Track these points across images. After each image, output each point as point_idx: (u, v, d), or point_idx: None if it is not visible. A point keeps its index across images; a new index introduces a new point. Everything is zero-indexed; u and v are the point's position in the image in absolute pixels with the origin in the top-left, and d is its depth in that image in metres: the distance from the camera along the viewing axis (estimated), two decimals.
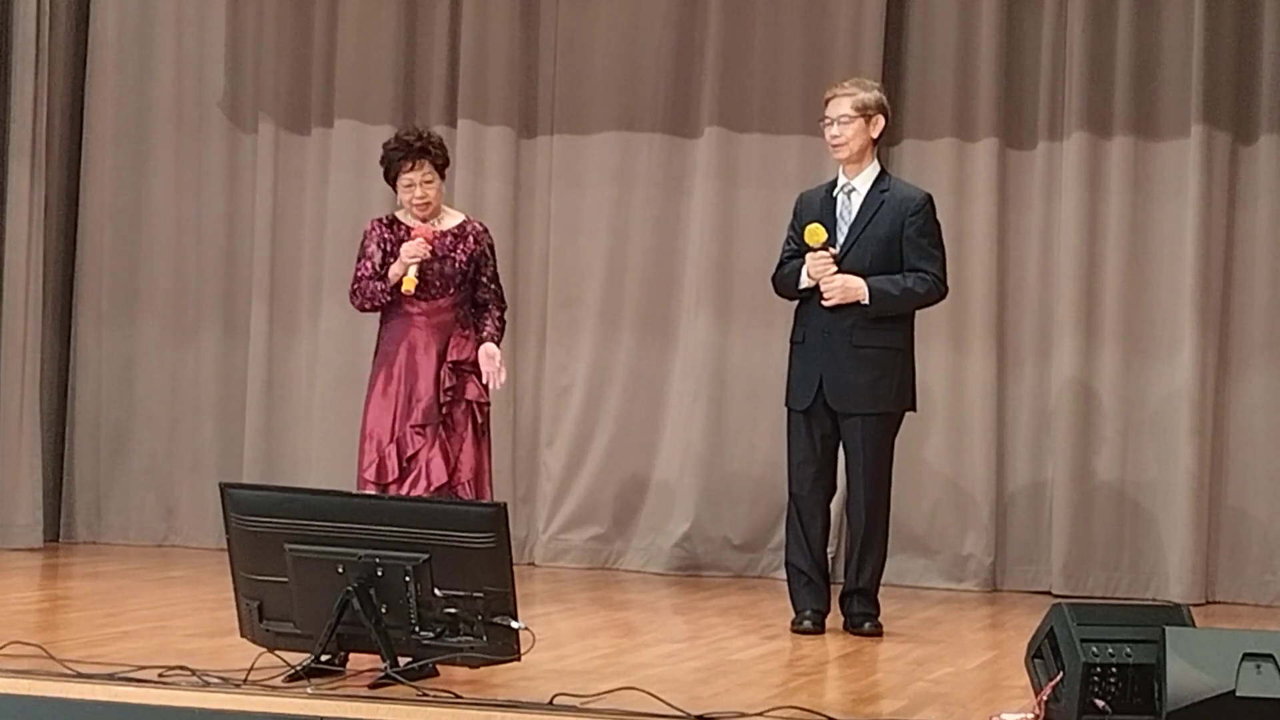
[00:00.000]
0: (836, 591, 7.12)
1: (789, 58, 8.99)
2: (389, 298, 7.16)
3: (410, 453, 7.09)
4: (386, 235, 7.25)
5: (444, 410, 7.12)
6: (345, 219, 9.15)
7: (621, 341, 9.15)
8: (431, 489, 7.01)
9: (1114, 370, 8.60)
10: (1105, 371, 8.61)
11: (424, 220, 7.21)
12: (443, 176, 7.27)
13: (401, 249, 7.13)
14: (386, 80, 9.33)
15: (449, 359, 7.15)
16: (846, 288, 6.88)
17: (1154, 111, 8.62)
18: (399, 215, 7.34)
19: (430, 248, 7.10)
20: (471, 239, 7.27)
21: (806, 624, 6.94)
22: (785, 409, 7.11)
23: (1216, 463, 8.53)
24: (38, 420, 9.17)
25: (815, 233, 6.89)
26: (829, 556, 7.30)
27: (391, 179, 7.26)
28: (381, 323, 7.30)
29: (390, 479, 7.09)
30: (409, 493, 6.98)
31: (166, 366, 9.59)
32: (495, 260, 7.36)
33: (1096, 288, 8.63)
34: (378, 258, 7.21)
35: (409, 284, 7.07)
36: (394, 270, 7.11)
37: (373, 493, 6.99)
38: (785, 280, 7.09)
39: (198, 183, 9.59)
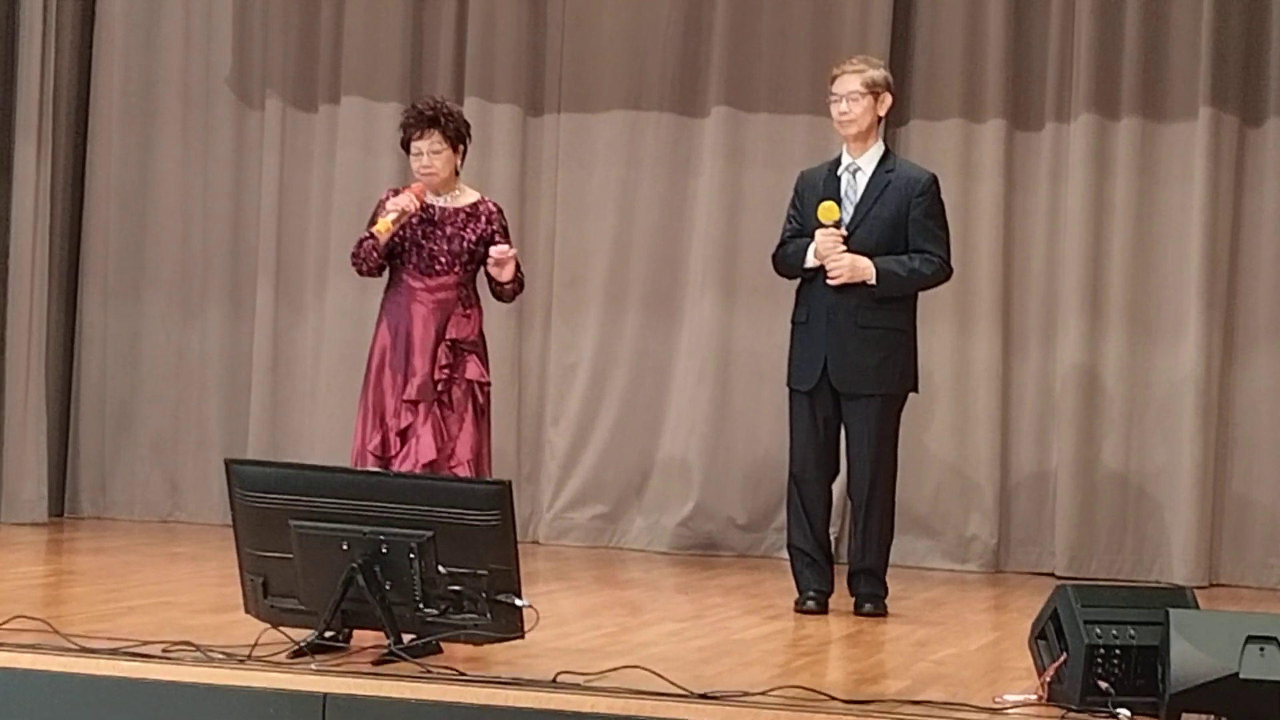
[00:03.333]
0: (840, 572, 7.12)
1: (797, 38, 8.98)
2: (377, 254, 7.13)
3: (401, 427, 7.09)
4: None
5: (439, 388, 7.10)
6: (351, 196, 9.15)
7: (627, 321, 9.14)
8: (419, 466, 6.99)
9: (1119, 354, 8.60)
10: (1110, 355, 8.61)
11: (435, 193, 7.20)
12: (455, 150, 7.21)
13: (390, 201, 7.14)
14: (394, 57, 9.32)
15: (448, 337, 7.11)
16: (854, 267, 6.85)
17: (1161, 94, 8.61)
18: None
19: (419, 204, 7.09)
20: (483, 219, 7.22)
21: (810, 604, 6.93)
22: (787, 389, 7.10)
23: (1221, 446, 8.53)
24: (43, 396, 9.18)
25: (829, 210, 6.86)
26: (832, 537, 7.30)
27: (405, 148, 7.26)
28: (383, 296, 7.30)
29: (394, 452, 7.09)
30: (397, 468, 6.98)
31: (172, 343, 9.59)
32: (510, 242, 7.32)
33: (1102, 271, 8.62)
34: None
35: (382, 225, 7.06)
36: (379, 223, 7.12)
37: (376, 469, 6.99)
38: (789, 259, 7.06)
39: (204, 159, 9.59)
